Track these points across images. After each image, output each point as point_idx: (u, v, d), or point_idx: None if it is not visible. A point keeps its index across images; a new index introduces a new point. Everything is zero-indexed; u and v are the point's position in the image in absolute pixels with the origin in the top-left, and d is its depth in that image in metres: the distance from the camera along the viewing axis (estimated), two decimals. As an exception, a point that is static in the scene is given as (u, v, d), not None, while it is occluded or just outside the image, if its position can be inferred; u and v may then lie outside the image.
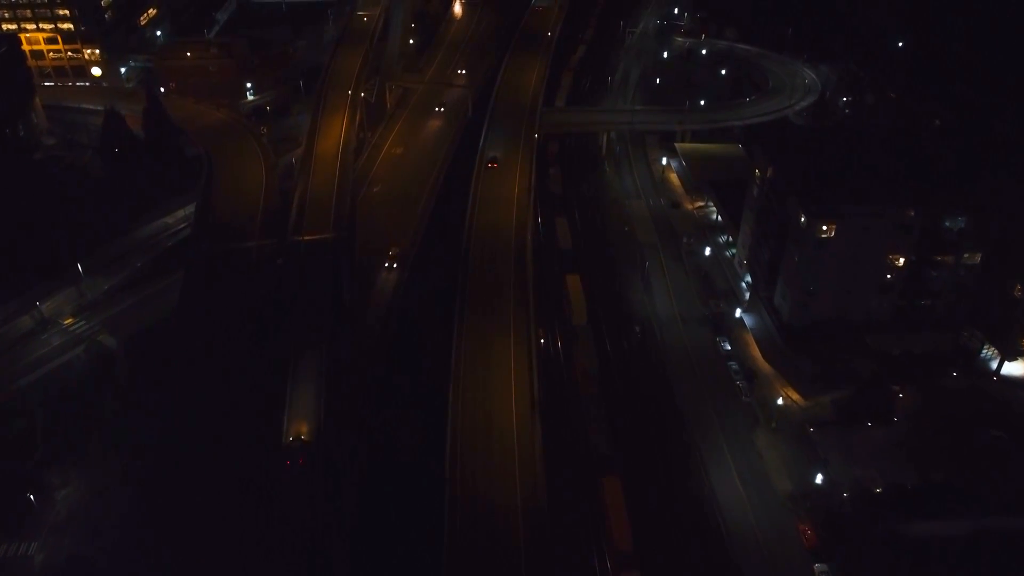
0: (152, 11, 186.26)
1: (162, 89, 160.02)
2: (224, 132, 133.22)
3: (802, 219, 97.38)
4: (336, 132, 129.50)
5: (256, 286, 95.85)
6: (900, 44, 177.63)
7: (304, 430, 78.61)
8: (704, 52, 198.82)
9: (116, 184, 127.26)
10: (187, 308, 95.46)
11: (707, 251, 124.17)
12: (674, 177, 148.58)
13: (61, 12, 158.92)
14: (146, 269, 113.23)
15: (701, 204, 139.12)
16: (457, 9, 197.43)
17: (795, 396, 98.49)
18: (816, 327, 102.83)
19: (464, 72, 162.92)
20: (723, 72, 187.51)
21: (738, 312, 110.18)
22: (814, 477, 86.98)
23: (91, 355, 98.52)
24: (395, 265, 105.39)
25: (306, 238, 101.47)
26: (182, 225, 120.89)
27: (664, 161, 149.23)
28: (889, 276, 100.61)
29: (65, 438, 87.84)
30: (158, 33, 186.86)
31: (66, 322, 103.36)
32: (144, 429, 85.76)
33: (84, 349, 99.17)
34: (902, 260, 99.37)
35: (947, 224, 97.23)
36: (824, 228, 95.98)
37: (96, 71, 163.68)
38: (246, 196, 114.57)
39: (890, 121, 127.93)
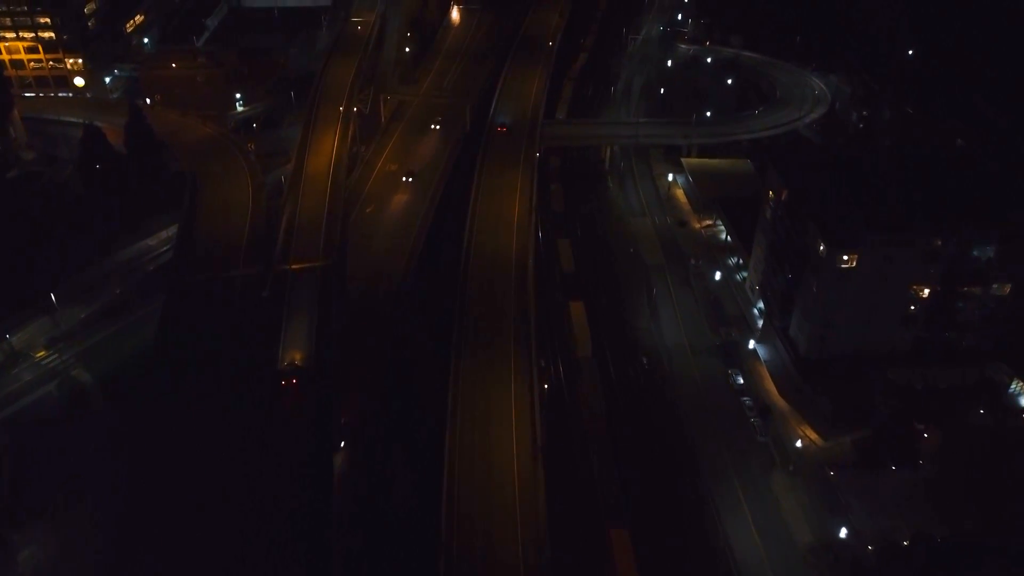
0: (139, 17, 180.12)
1: (147, 100, 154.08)
2: (210, 148, 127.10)
3: (821, 248, 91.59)
4: (327, 149, 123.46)
5: (239, 322, 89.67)
6: (911, 52, 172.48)
7: None
8: (709, 60, 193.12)
9: (96, 203, 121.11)
10: (165, 345, 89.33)
11: (717, 276, 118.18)
12: (680, 193, 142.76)
13: (42, 20, 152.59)
14: (126, 296, 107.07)
15: (709, 222, 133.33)
16: (455, 15, 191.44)
17: (813, 436, 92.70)
18: (834, 360, 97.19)
19: (461, 83, 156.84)
20: (729, 81, 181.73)
21: (751, 343, 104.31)
22: (836, 528, 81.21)
23: (64, 391, 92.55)
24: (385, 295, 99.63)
25: (294, 266, 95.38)
26: (165, 248, 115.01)
27: (670, 177, 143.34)
28: (913, 308, 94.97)
29: (33, 486, 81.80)
30: (145, 40, 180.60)
31: (38, 355, 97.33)
32: (119, 472, 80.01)
33: (57, 385, 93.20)
34: (927, 291, 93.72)
35: (976, 253, 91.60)
36: (845, 258, 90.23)
37: (79, 81, 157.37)
38: (231, 219, 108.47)
39: (910, 139, 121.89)
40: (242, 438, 77.22)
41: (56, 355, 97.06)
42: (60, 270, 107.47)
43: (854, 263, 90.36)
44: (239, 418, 79.67)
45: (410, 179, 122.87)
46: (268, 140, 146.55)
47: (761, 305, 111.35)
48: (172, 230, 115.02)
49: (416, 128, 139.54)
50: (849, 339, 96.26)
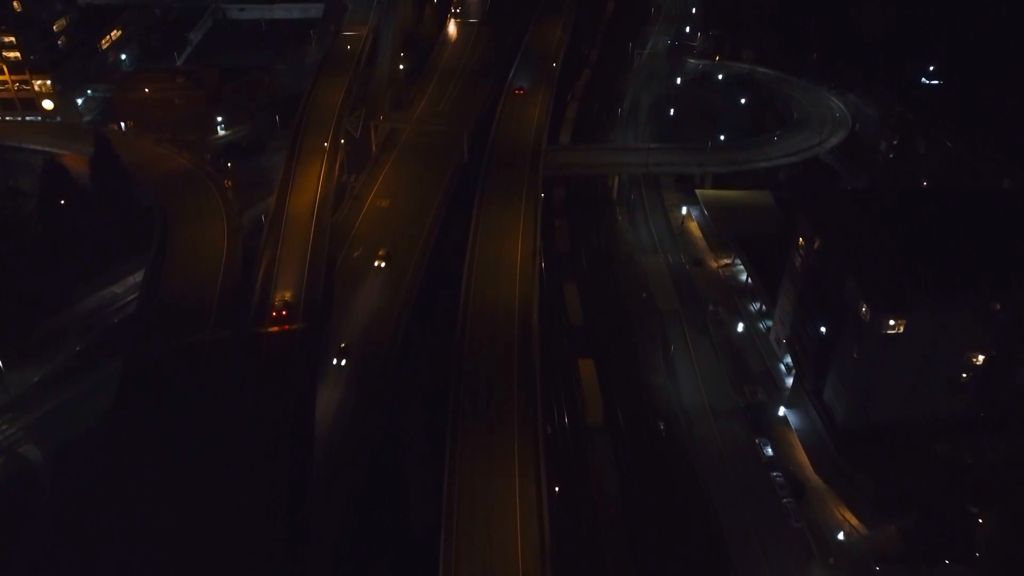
0: (116, 32, 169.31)
1: (122, 125, 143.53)
2: (184, 183, 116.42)
3: (864, 310, 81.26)
4: (312, 184, 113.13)
5: (203, 399, 79.05)
6: (934, 73, 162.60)
7: None
8: (720, 77, 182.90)
9: (57, 245, 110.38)
10: (121, 422, 78.77)
11: (739, 327, 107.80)
12: (695, 227, 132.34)
13: (6, 39, 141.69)
14: (86, 354, 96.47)
15: (727, 262, 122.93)
16: (452, 30, 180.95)
17: (854, 521, 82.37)
18: (875, 430, 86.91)
19: (458, 106, 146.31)
20: (743, 101, 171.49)
21: (781, 410, 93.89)
22: (887, 640, 71.06)
23: (9, 472, 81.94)
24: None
25: (270, 329, 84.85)
26: (132, 296, 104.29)
27: (684, 210, 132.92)
28: (965, 375, 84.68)
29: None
30: (123, 57, 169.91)
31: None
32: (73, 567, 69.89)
33: (1, 464, 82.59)
34: (982, 357, 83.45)
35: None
36: (892, 322, 79.90)
37: (48, 104, 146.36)
38: (203, 267, 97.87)
39: (949, 177, 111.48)
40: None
41: (2, 427, 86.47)
42: (13, 323, 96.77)
43: (901, 328, 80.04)
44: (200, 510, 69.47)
45: (382, 264, 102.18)
46: (250, 169, 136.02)
47: (788, 360, 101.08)
48: (140, 275, 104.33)
49: (409, 158, 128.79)
50: (891, 408, 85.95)
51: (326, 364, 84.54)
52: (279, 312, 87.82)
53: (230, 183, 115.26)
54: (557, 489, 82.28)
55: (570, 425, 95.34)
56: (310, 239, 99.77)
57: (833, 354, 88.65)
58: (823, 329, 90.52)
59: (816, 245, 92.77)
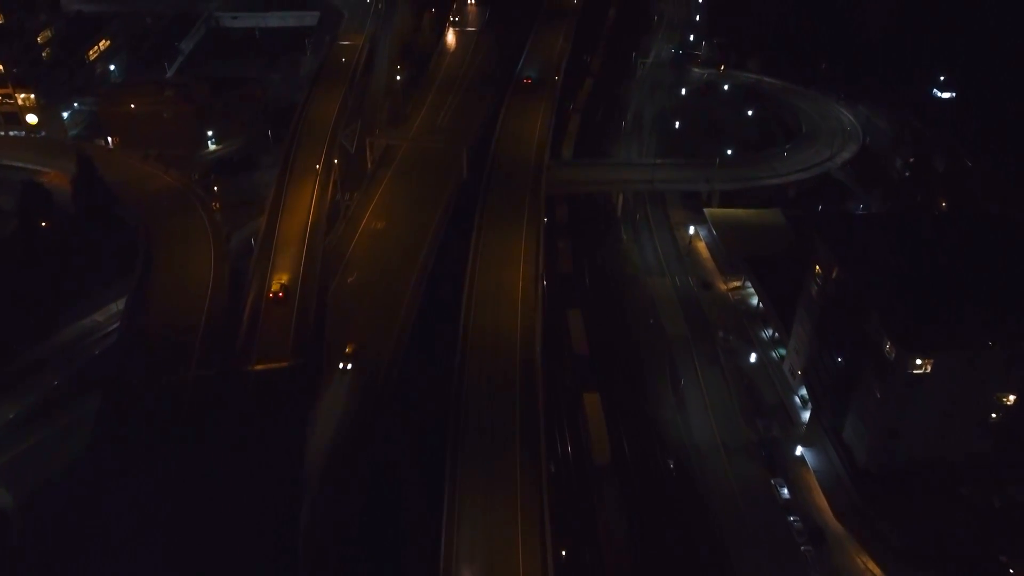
0: (104, 43, 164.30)
1: (109, 140, 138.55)
2: (170, 203, 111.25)
3: (888, 348, 76.46)
4: (304, 205, 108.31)
5: (185, 441, 74.11)
6: (941, 79, 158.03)
7: None
8: (726, 88, 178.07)
9: (37, 270, 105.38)
10: (97, 465, 73.85)
11: (752, 358, 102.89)
12: (702, 247, 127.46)
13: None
14: (64, 388, 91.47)
15: (737, 284, 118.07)
16: (450, 39, 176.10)
17: (878, 572, 77.43)
18: (899, 472, 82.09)
19: (457, 120, 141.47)
20: (750, 113, 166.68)
21: (798, 450, 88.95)
22: None
23: (-22, 519, 76.96)
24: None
25: (257, 367, 79.89)
26: (114, 324, 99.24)
27: (691, 230, 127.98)
28: (994, 415, 79.88)
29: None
30: (111, 68, 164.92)
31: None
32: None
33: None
34: (1012, 398, 78.65)
35: (1073, 355, 76.53)
36: (919, 363, 75.07)
37: (32, 119, 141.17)
38: (188, 296, 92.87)
39: (972, 199, 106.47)
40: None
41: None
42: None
43: (928, 369, 75.23)
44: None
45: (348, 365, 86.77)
46: (240, 185, 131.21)
47: (804, 392, 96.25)
48: (123, 303, 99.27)
49: (406, 176, 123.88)
50: (915, 448, 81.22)
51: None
52: (268, 344, 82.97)
53: (218, 205, 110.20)
54: (563, 546, 77.39)
55: (575, 462, 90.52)
56: (301, 266, 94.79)
57: (853, 391, 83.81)
58: (842, 364, 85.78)
59: (835, 274, 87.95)
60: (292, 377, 79.19)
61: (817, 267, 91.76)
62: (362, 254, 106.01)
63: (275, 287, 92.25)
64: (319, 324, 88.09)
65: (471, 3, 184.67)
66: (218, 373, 79.75)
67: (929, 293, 78.95)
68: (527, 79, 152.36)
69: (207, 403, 77.15)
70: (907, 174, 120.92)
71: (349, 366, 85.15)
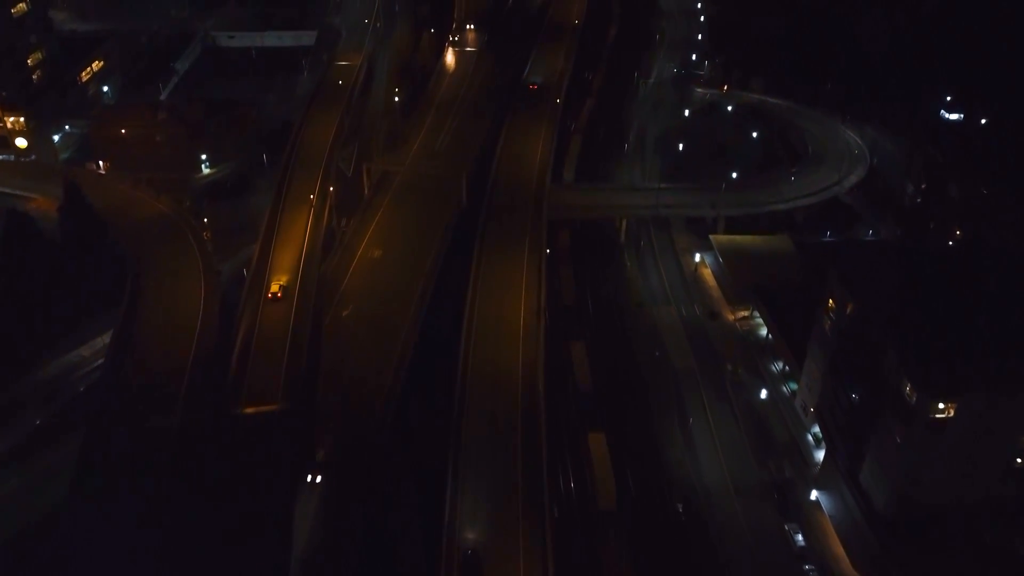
0: (97, 63, 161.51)
1: (101, 163, 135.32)
2: (160, 232, 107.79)
3: (908, 390, 72.82)
4: (298, 234, 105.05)
5: (169, 489, 70.24)
6: (947, 99, 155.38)
7: None
8: (730, 108, 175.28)
9: (21, 301, 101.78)
10: (77, 514, 69.95)
11: (763, 394, 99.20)
12: (708, 274, 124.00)
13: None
14: (47, 429, 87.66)
15: (745, 314, 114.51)
16: (449, 59, 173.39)
17: (901, 628, 73.61)
18: (919, 518, 78.19)
19: (456, 143, 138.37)
20: (755, 135, 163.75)
21: (813, 494, 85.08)
22: None
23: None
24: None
25: (247, 411, 76.13)
26: (100, 360, 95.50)
27: (697, 257, 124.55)
28: (1020, 460, 76.12)
29: None
30: (105, 89, 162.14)
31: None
32: None
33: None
34: (1040, 441, 74.92)
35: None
36: (941, 407, 71.42)
37: (21, 142, 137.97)
38: (176, 332, 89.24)
39: (990, 229, 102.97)
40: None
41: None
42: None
43: (952, 412, 71.57)
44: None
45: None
46: (234, 210, 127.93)
47: (816, 430, 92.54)
48: (110, 336, 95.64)
49: (404, 202, 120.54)
50: (937, 495, 77.30)
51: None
52: (259, 385, 79.22)
53: (208, 234, 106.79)
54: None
55: (579, 504, 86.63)
56: (294, 300, 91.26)
57: (870, 434, 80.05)
58: (858, 403, 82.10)
59: (849, 310, 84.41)
60: (284, 421, 75.35)
61: (830, 301, 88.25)
62: (358, 285, 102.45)
63: (274, 288, 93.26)
64: (313, 363, 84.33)
65: (470, 28, 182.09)
66: (205, 417, 75.94)
67: (950, 330, 75.39)
68: (532, 85, 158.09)
69: (193, 450, 73.29)
70: (919, 200, 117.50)
71: (319, 479, 74.11)
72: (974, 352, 72.96)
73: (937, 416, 71.74)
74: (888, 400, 76.48)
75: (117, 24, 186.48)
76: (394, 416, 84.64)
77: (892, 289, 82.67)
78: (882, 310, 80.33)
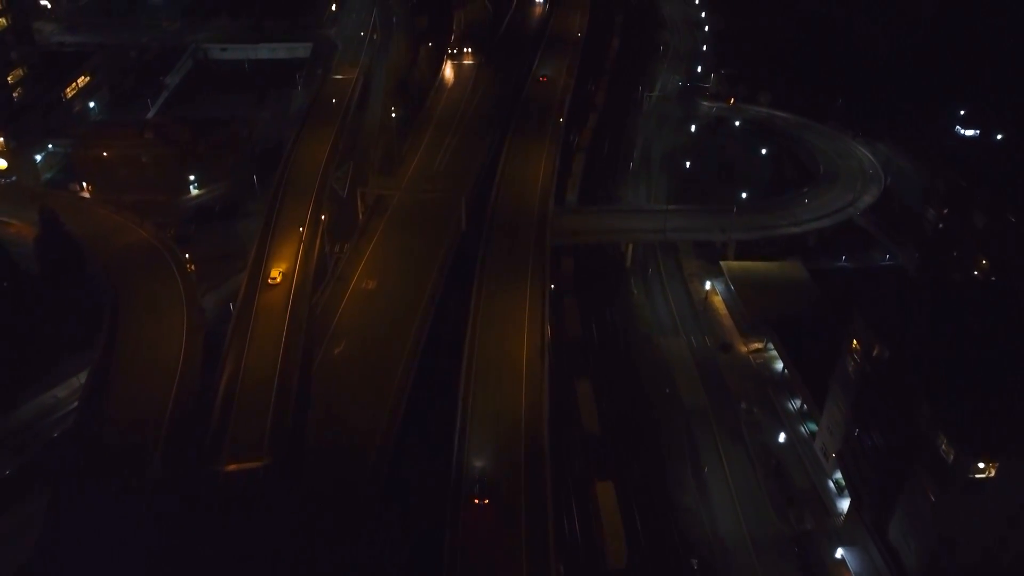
0: (83, 79, 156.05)
1: (85, 185, 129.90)
2: (142, 262, 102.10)
3: (944, 448, 67.21)
4: (288, 267, 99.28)
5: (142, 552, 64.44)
6: (961, 113, 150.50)
7: None
8: (737, 123, 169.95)
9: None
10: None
11: (781, 438, 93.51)
12: (719, 302, 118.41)
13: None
14: (16, 481, 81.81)
15: (758, 346, 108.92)
16: (448, 74, 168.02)
17: None
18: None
19: (456, 163, 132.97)
20: (764, 152, 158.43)
21: (839, 552, 79.32)
22: None
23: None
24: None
25: (229, 467, 70.36)
26: (75, 402, 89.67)
27: (707, 285, 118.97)
28: (1064, 520, 70.44)
29: None
30: (91, 105, 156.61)
31: None
32: None
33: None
34: (1085, 501, 69.25)
35: None
36: (981, 467, 65.82)
37: (0, 163, 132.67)
38: (155, 375, 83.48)
39: (1019, 260, 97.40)
40: None
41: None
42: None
43: (993, 472, 65.96)
44: None
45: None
46: (223, 235, 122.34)
47: (839, 476, 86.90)
48: (86, 376, 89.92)
49: (400, 228, 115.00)
50: (973, 557, 71.70)
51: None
52: (242, 439, 73.48)
53: (192, 267, 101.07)
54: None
55: (587, 562, 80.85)
56: (283, 340, 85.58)
57: (900, 487, 74.43)
58: (885, 453, 76.46)
59: (876, 352, 78.83)
60: (268, 479, 69.61)
61: (855, 342, 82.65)
62: (351, 320, 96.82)
63: (273, 273, 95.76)
64: (301, 410, 78.62)
65: (468, 45, 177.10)
66: (184, 474, 70.21)
67: (990, 380, 69.80)
68: (543, 77, 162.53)
69: (169, 511, 67.59)
70: (940, 226, 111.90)
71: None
72: (1016, 405, 67.39)
73: (976, 476, 66.22)
74: (921, 454, 70.88)
75: (106, 36, 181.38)
76: (389, 466, 79.14)
77: (924, 331, 76.98)
78: (914, 355, 74.70)
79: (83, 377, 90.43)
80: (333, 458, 76.30)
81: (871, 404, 79.58)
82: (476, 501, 72.73)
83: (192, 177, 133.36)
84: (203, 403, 79.41)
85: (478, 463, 77.23)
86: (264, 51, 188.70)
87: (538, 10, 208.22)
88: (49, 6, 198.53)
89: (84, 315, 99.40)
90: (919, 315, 79.84)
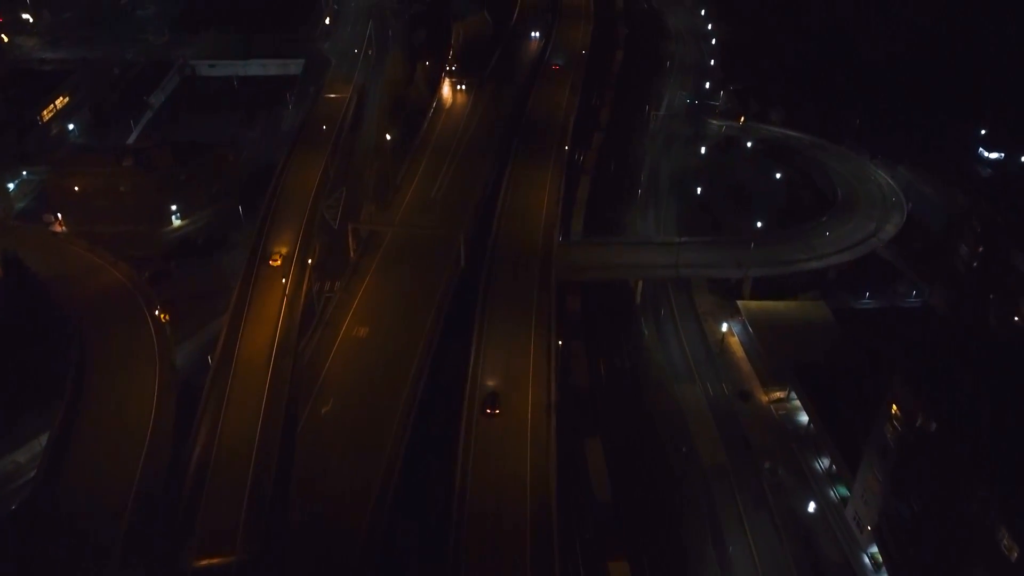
0: (62, 100, 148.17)
1: (59, 216, 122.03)
2: (113, 308, 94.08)
3: (1007, 542, 59.42)
4: (271, 313, 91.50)
5: None
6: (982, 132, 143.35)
7: None
8: (748, 144, 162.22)
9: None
10: None
11: (811, 507, 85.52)
12: (736, 344, 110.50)
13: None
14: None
15: (780, 395, 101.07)
16: (446, 93, 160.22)
17: None
18: None
19: (454, 192, 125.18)
20: (777, 175, 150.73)
21: (881, 647, 71.65)
22: None
23: None
24: None
25: (199, 563, 62.33)
26: (34, 470, 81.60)
27: (724, 326, 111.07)
28: None
29: None
30: (70, 127, 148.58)
31: None
32: None
33: None
34: None
35: None
36: (1051, 563, 58.07)
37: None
38: (121, 442, 75.36)
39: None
40: None
41: None
42: None
43: (1063, 568, 58.22)
44: None
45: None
46: (206, 270, 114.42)
47: (875, 550, 79.08)
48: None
49: (394, 266, 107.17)
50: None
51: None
52: (213, 526, 65.39)
53: (166, 317, 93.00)
54: None
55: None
56: (262, 407, 77.54)
57: (953, 573, 66.65)
58: (931, 534, 68.64)
59: (920, 422, 71.02)
60: (241, 576, 61.75)
61: (894, 407, 74.82)
62: (340, 373, 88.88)
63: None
64: (282, 485, 70.67)
65: (468, 61, 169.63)
66: (147, 570, 62.28)
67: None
68: (555, 66, 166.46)
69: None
70: (975, 264, 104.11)
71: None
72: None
73: (1044, 572, 58.46)
74: (974, 542, 63.16)
75: (89, 52, 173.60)
76: (380, 541, 71.31)
77: (973, 395, 69.12)
78: (968, 433, 66.82)
79: (44, 439, 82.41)
80: (317, 541, 68.27)
81: (914, 476, 71.81)
82: None
83: (174, 207, 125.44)
84: (173, 476, 71.38)
85: (479, 538, 69.54)
86: (254, 67, 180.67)
87: (538, 33, 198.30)
88: (32, 20, 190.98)
89: (51, 366, 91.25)
90: (965, 375, 71.89)
